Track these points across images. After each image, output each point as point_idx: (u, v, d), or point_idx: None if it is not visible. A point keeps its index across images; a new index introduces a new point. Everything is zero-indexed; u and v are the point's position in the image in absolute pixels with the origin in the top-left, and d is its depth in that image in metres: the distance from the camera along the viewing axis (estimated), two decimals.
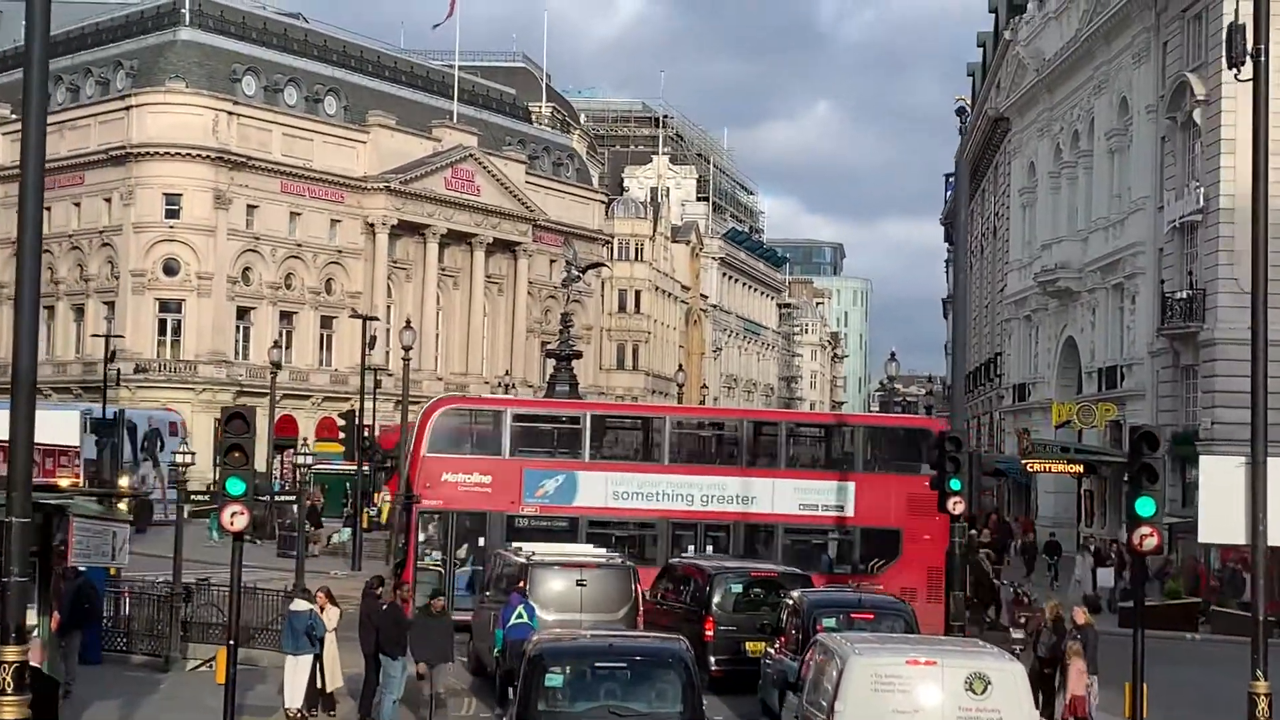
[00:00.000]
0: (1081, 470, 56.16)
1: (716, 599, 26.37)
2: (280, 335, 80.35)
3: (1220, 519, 15.76)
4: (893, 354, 53.98)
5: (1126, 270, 54.97)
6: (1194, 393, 48.99)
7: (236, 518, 18.71)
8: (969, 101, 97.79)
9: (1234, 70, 16.96)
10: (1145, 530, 17.33)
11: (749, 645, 25.58)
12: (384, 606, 23.17)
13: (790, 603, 23.59)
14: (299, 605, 23.00)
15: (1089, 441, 57.21)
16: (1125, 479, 53.01)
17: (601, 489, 34.07)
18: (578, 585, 24.61)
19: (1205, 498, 15.93)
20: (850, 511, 33.87)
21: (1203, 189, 47.39)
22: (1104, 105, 58.65)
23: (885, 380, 56.24)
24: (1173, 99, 50.26)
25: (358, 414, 43.54)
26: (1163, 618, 37.53)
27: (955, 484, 25.87)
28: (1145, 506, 17.36)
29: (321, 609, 22.95)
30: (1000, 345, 75.24)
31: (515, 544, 28.31)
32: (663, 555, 33.04)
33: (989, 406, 79.44)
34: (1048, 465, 54.83)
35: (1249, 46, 15.89)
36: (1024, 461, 54.55)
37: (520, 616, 22.96)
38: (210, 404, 76.26)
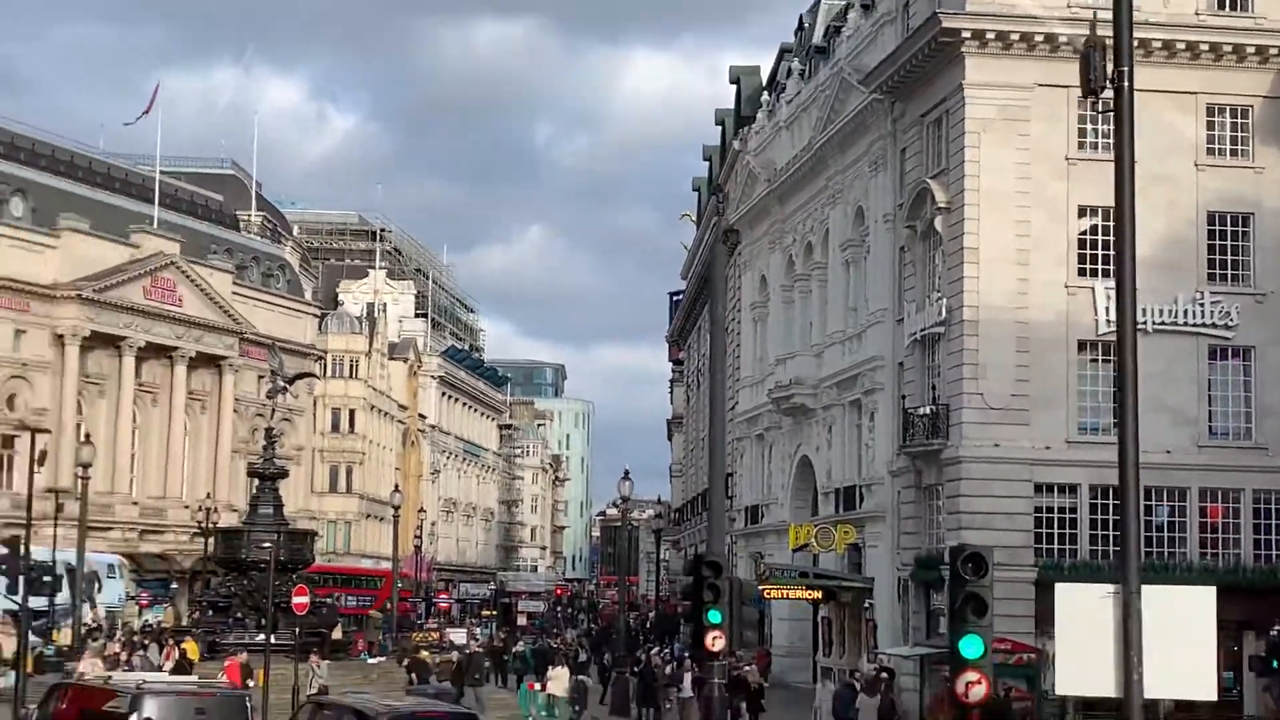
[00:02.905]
0: (820, 596, 53.66)
1: None
2: None
3: (1082, 665, 12.34)
4: (626, 473, 50.93)
5: (864, 386, 52.78)
6: (938, 514, 46.71)
7: None
8: (695, 219, 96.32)
9: (1090, 98, 13.80)
10: (972, 676, 13.87)
11: None
12: None
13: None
14: None
15: (826, 565, 54.80)
16: (867, 604, 50.87)
17: None
18: (198, 714, 24.01)
19: (1064, 637, 12.51)
20: None
21: (945, 300, 45.43)
22: (838, 215, 56.81)
23: (619, 501, 52.79)
24: (912, 207, 48.40)
25: (24, 541, 38.13)
26: None
27: (714, 616, 22.33)
28: (972, 646, 13.91)
29: None
30: (732, 465, 72.63)
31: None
32: None
33: (721, 529, 76.63)
34: (785, 591, 52.20)
35: (1108, 70, 12.69)
36: (760, 588, 51.60)
37: None
38: None
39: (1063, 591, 12.66)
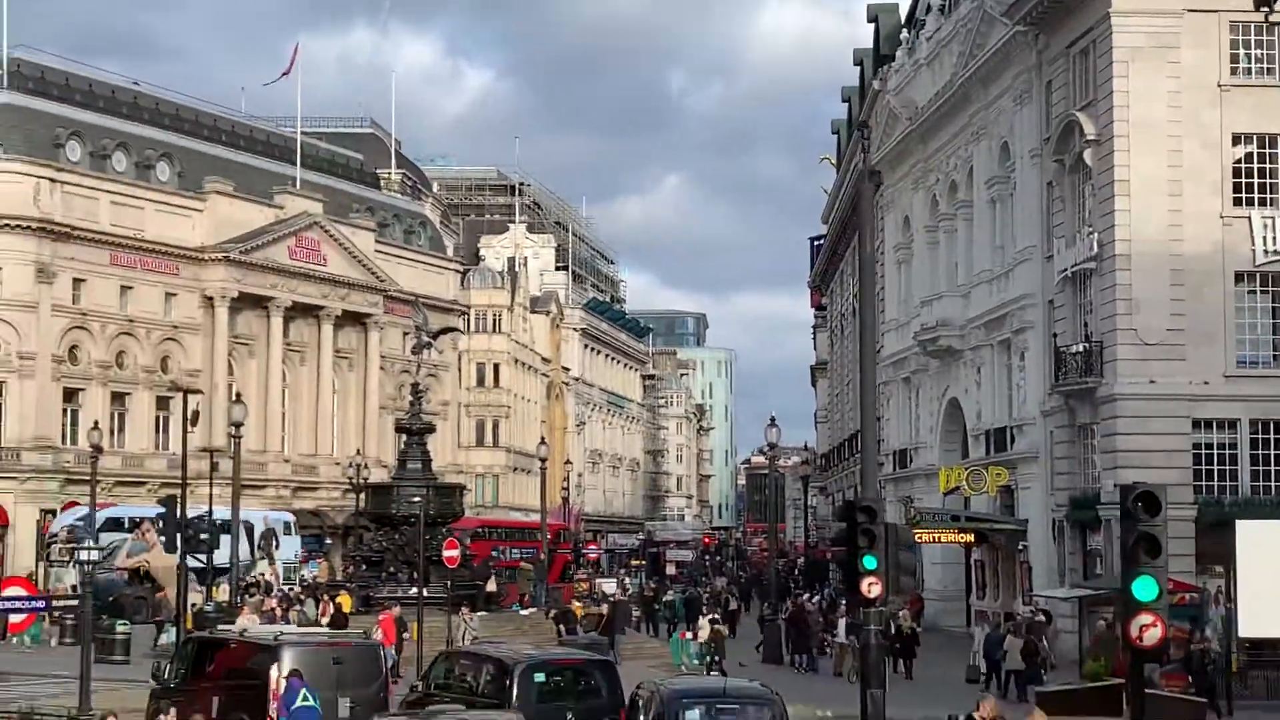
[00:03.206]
0: (972, 539, 52.95)
1: (517, 690, 23.56)
2: (112, 417, 74.93)
3: (1272, 605, 11.73)
4: (772, 419, 50.23)
5: (1014, 325, 51.79)
6: (1093, 453, 45.74)
7: None
8: (835, 162, 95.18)
9: (1263, 8, 13.10)
10: (1146, 619, 13.30)
11: None
12: None
13: (646, 693, 21.49)
14: None
15: (978, 508, 54.01)
16: (1021, 547, 49.96)
17: None
18: (335, 664, 24.72)
19: (1248, 575, 11.90)
20: None
21: (1096, 234, 44.38)
22: (983, 152, 55.69)
23: (765, 448, 52.32)
24: (1060, 140, 47.23)
25: (180, 500, 38.59)
26: (1081, 704, 33.70)
27: (869, 561, 21.87)
28: (1145, 589, 13.32)
29: None
30: (879, 410, 71.82)
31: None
32: None
33: (874, 472, 75.97)
34: (936, 535, 51.45)
35: None
36: (911, 532, 50.93)
37: (306, 700, 22.84)
38: (36, 494, 70.67)
39: (1244, 529, 12.07)
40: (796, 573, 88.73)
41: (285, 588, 52.67)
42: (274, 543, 61.76)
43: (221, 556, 55.35)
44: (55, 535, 55.87)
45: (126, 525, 57.57)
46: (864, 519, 22.06)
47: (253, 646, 26.18)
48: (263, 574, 54.72)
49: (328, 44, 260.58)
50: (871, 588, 22.07)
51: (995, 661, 38.46)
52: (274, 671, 24.17)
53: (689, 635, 44.53)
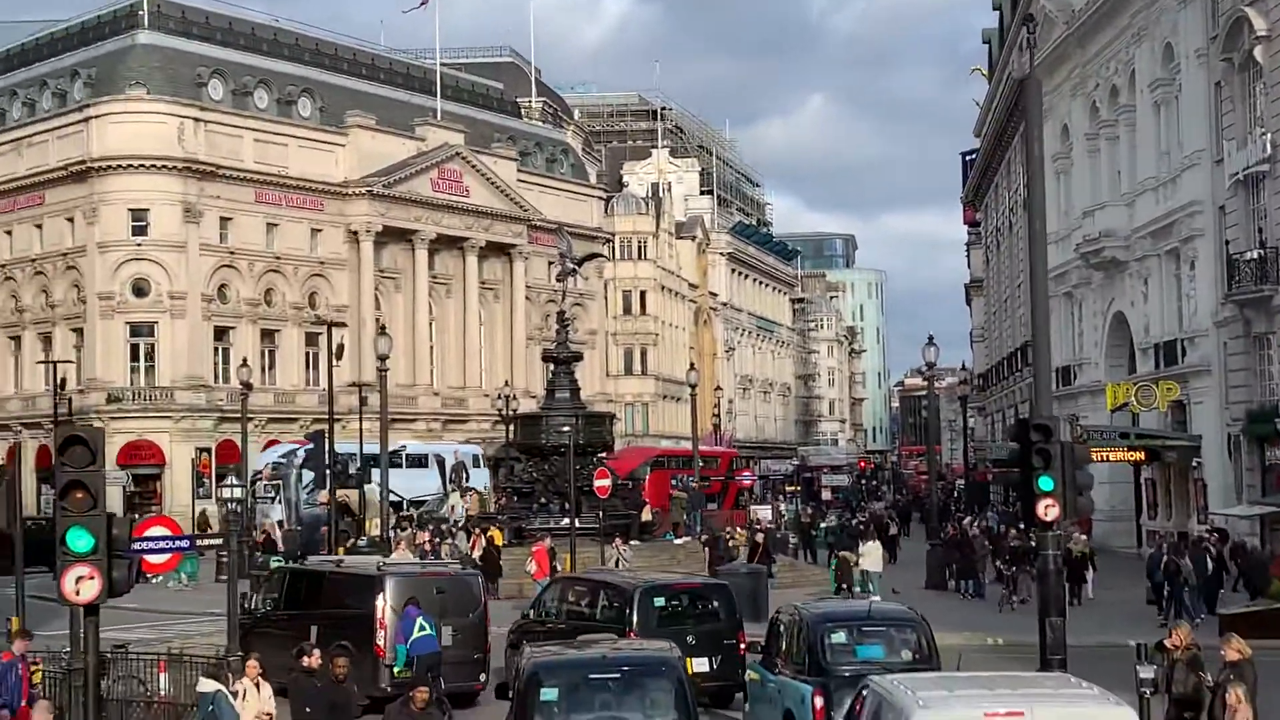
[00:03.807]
0: (1142, 457, 50.94)
1: (638, 615, 23.91)
2: (262, 355, 75.20)
3: None
4: (930, 338, 48.46)
5: (1182, 233, 49.54)
6: (1270, 365, 43.56)
7: (84, 584, 13.26)
8: (986, 72, 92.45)
9: None
10: None
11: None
12: (316, 682, 17.76)
13: (788, 617, 20.97)
14: (203, 685, 17.61)
15: (1147, 425, 51.98)
16: (1195, 464, 47.88)
17: None
18: (438, 593, 24.80)
19: None
20: None
21: (1269, 135, 42.04)
22: (1145, 54, 53.20)
23: (923, 368, 50.65)
24: (1228, 38, 44.80)
25: (327, 435, 37.98)
26: (1269, 625, 31.90)
27: (1045, 482, 20.42)
28: None
29: (241, 692, 17.54)
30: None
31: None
32: None
33: (1027, 394, 73.92)
34: (1104, 454, 49.39)
35: None
36: (1089, 450, 49.02)
37: (423, 629, 23.12)
38: (190, 433, 71.19)
39: None
40: (955, 495, 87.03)
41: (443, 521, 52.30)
42: (464, 475, 62.22)
43: (421, 488, 56.47)
44: (259, 472, 56.27)
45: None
46: (1039, 438, 20.66)
47: (354, 577, 26.19)
48: (454, 506, 54.72)
49: None
50: (1049, 510, 20.69)
51: (1160, 583, 36.61)
52: (379, 601, 24.27)
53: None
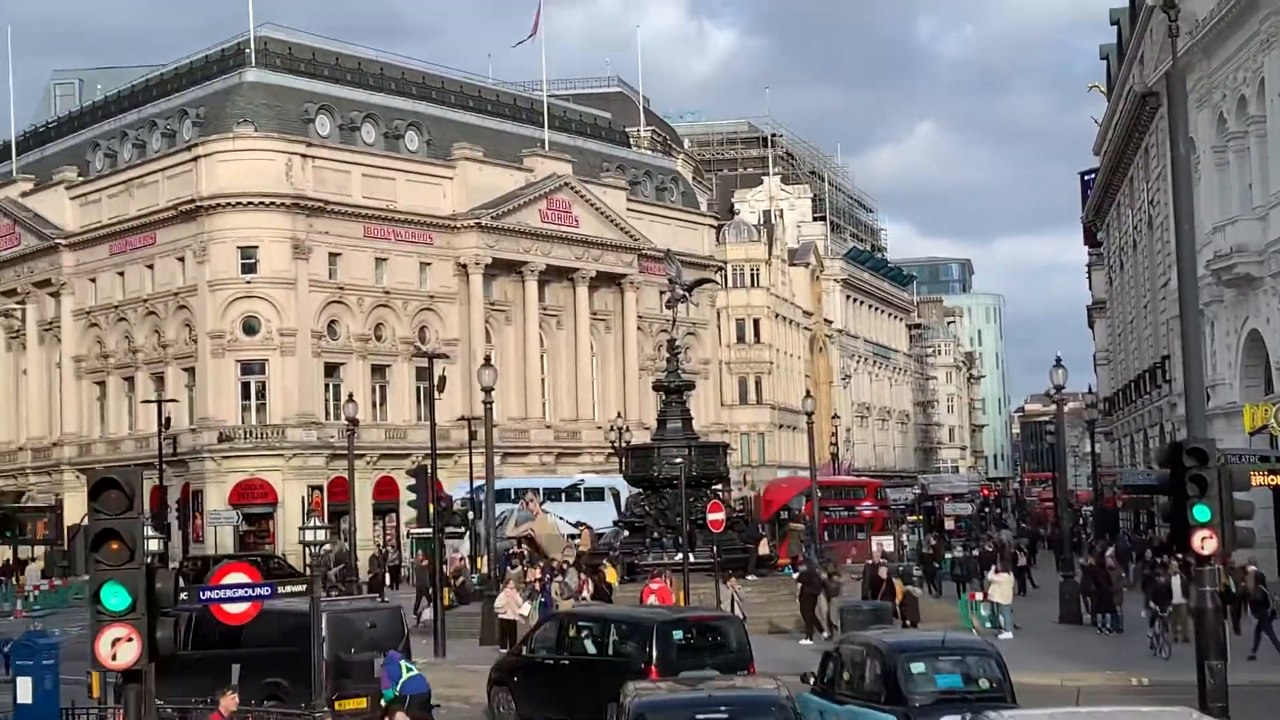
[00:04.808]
0: None
1: (658, 649, 24.00)
2: (373, 390, 74.63)
3: None
4: (1058, 359, 46.37)
5: None
6: None
7: (120, 646, 11.96)
8: (1104, 89, 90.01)
9: None
10: None
11: None
12: None
13: (852, 647, 21.31)
14: None
15: None
16: None
17: None
18: (370, 628, 25.46)
19: None
20: None
21: None
22: (1275, 61, 50.82)
23: (1051, 391, 48.58)
24: None
25: (430, 469, 36.97)
26: None
27: (1202, 512, 18.64)
28: None
29: None
30: (1168, 347, 67.24)
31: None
32: None
33: (1157, 418, 71.39)
34: (1268, 478, 46.96)
35: None
36: (1249, 474, 46.59)
37: (410, 670, 23.60)
38: (302, 471, 70.69)
39: None
40: (1083, 522, 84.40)
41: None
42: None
43: (598, 520, 56.01)
44: (445, 507, 56.08)
45: (512, 496, 58.26)
46: (1193, 463, 18.87)
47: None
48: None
49: (571, 10, 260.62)
50: (1205, 542, 18.89)
51: None
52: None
53: (979, 596, 41.03)
